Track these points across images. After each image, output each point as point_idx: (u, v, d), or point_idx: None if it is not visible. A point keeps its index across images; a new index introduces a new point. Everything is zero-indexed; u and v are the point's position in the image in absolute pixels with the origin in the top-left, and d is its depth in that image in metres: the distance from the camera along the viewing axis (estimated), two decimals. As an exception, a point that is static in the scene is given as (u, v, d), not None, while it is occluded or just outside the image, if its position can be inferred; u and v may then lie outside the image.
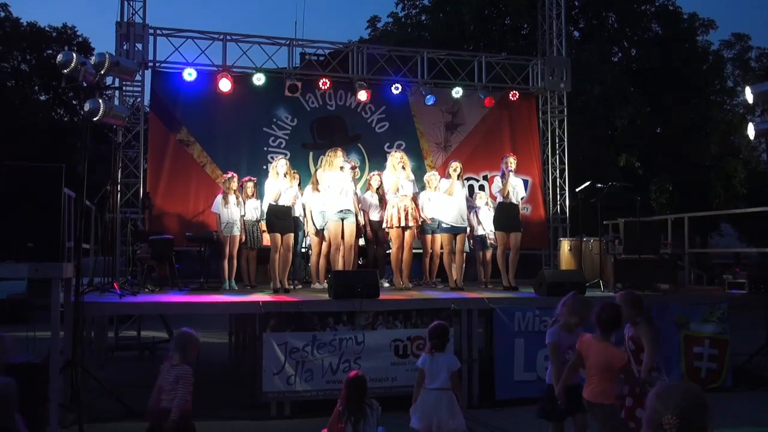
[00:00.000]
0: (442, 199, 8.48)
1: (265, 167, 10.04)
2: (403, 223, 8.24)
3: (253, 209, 8.72)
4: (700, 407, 1.95)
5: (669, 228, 10.30)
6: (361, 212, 8.78)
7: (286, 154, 10.36)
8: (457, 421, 4.53)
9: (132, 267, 8.78)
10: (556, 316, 4.76)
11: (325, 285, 7.85)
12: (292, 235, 8.17)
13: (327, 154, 8.33)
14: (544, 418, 4.71)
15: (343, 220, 8.06)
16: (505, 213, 8.35)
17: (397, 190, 8.28)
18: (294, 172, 8.61)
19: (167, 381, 4.25)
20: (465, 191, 9.01)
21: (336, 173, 8.13)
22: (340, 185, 8.08)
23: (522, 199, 8.66)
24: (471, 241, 9.27)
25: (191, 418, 4.34)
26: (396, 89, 11.09)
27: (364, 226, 8.89)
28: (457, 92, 11.46)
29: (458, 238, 8.51)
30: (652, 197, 18.61)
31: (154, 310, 8.06)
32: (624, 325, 4.55)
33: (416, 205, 8.49)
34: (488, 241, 9.16)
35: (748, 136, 9.46)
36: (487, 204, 9.20)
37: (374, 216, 8.96)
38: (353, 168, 8.66)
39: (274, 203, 7.93)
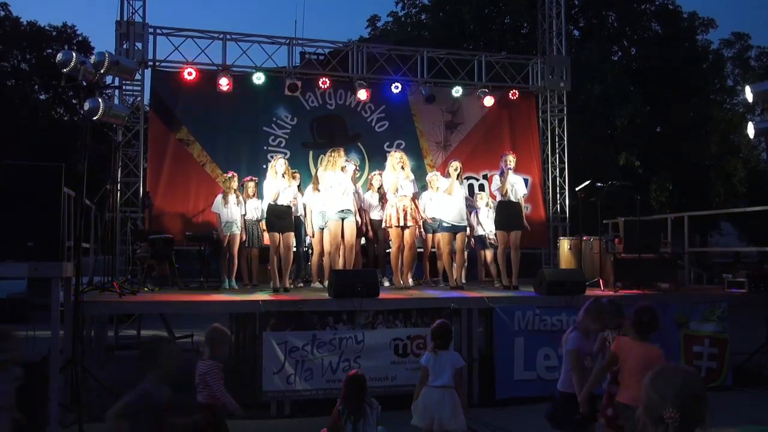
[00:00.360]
0: (442, 199, 8.48)
1: (264, 166, 10.01)
2: (401, 223, 8.24)
3: (254, 209, 8.72)
4: (699, 399, 1.93)
5: (669, 227, 10.30)
6: (363, 211, 8.79)
7: (285, 154, 10.35)
8: (458, 421, 4.53)
9: (132, 266, 8.78)
10: (575, 322, 4.62)
11: (325, 284, 7.85)
12: (292, 234, 8.17)
13: (329, 153, 8.30)
14: (556, 428, 4.57)
15: (343, 219, 8.06)
16: (505, 212, 8.33)
17: (397, 190, 8.28)
18: (294, 172, 8.61)
19: (198, 375, 4.29)
20: (465, 191, 9.01)
21: (338, 173, 8.13)
22: (343, 185, 8.08)
23: (523, 196, 8.59)
24: (472, 240, 9.27)
25: (219, 415, 4.31)
26: (396, 88, 11.08)
27: (365, 225, 8.89)
28: (457, 91, 11.45)
29: (458, 237, 8.50)
30: (652, 196, 18.61)
31: (153, 310, 8.06)
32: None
33: (416, 204, 8.48)
34: (488, 241, 9.15)
35: (747, 134, 9.46)
36: (487, 205, 9.19)
37: (375, 215, 8.96)
38: (356, 168, 8.63)
39: (273, 203, 7.93)
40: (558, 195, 12.19)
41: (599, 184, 8.95)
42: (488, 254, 9.28)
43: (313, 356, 6.42)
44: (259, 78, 10.50)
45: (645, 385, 1.99)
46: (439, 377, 4.56)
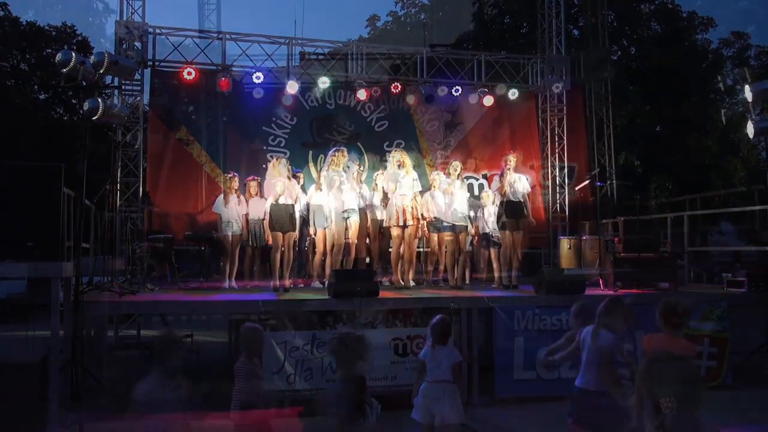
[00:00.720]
0: (443, 198, 8.49)
1: (264, 166, 9.99)
2: (401, 222, 8.24)
3: (258, 208, 8.70)
4: (694, 386, 1.92)
5: (669, 227, 10.30)
6: (368, 211, 8.79)
7: (285, 153, 10.36)
8: (457, 414, 4.54)
9: (132, 266, 8.78)
10: (596, 319, 4.38)
11: (326, 284, 7.85)
12: (294, 234, 8.14)
13: (332, 153, 8.28)
14: (582, 428, 4.32)
15: (346, 219, 8.06)
16: (507, 211, 8.33)
17: (396, 189, 8.28)
18: (297, 173, 8.60)
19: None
20: (465, 190, 9.01)
21: (341, 173, 8.13)
22: (346, 185, 8.08)
23: (527, 193, 8.52)
24: (475, 239, 9.25)
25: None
26: (395, 88, 11.08)
27: (371, 224, 8.87)
28: (457, 91, 11.45)
29: (459, 236, 8.50)
30: (652, 196, 18.60)
31: (153, 310, 8.06)
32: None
33: (417, 204, 8.47)
34: (492, 239, 9.14)
35: (747, 134, 9.46)
36: (494, 203, 9.17)
37: (379, 215, 8.94)
38: (359, 168, 8.62)
39: (275, 202, 7.92)
40: (558, 195, 12.19)
41: (599, 184, 8.95)
42: (492, 253, 9.26)
43: (313, 356, 6.42)
44: (258, 78, 10.49)
45: (639, 374, 1.97)
46: (436, 372, 4.58)
